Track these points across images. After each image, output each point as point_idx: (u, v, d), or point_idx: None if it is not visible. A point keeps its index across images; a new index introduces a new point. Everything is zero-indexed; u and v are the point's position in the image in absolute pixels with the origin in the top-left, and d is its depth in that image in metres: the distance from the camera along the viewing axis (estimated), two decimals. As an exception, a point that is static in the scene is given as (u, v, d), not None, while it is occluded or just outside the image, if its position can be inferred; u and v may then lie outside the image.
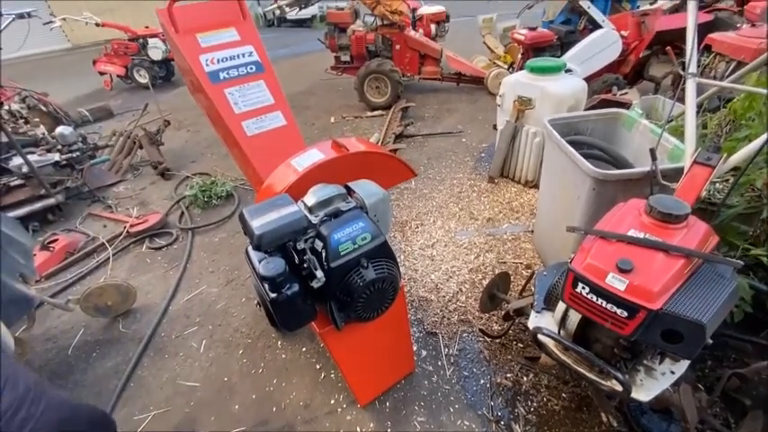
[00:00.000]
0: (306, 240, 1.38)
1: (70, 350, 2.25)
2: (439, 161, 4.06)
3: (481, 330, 2.14)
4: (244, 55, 2.01)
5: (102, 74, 7.23)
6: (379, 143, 4.30)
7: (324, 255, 1.34)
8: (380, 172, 1.71)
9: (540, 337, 1.38)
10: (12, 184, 3.26)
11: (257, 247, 1.33)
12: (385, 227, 1.56)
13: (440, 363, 2.03)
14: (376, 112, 5.36)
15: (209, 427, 1.84)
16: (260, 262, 1.29)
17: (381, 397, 1.88)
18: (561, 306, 1.36)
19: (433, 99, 5.83)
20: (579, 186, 1.87)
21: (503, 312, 2.00)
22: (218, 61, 1.95)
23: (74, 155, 3.62)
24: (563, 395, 1.83)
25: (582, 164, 1.79)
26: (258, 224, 1.31)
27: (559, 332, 1.39)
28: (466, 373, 1.97)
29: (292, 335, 2.19)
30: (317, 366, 2.05)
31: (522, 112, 3.21)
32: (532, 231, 2.86)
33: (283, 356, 2.12)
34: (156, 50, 6.96)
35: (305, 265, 1.35)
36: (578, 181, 1.87)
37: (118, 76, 7.18)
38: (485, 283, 2.43)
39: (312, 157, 1.62)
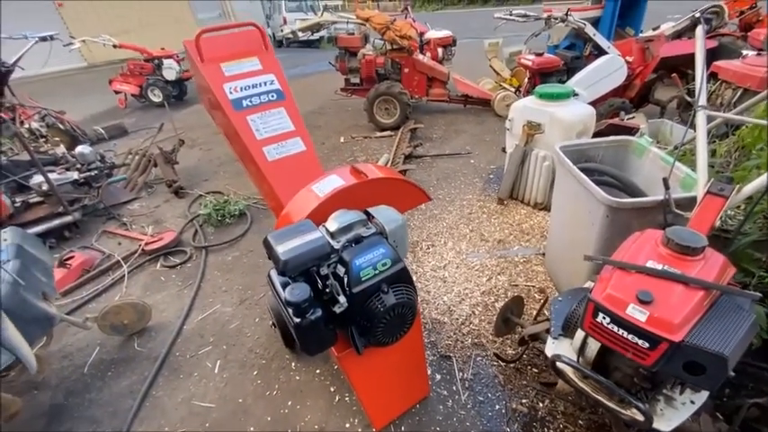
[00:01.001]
0: (328, 265, 1.41)
1: (86, 368, 2.26)
2: (448, 182, 4.11)
3: (496, 355, 2.14)
4: (265, 83, 2.09)
5: (117, 93, 7.46)
6: (389, 164, 4.37)
7: (346, 280, 1.37)
8: (397, 197, 1.76)
9: (559, 364, 1.39)
10: (31, 201, 3.35)
11: (282, 273, 1.35)
12: (403, 252, 1.60)
13: (454, 387, 2.03)
14: (385, 133, 5.47)
15: (223, 450, 1.84)
16: (284, 287, 1.32)
17: (397, 421, 1.87)
18: (580, 334, 1.37)
19: (441, 120, 5.94)
20: (592, 213, 1.90)
21: (518, 337, 2.00)
22: (242, 89, 2.03)
23: (92, 173, 3.71)
24: (580, 422, 1.81)
25: (595, 192, 1.82)
26: (283, 250, 1.34)
27: (578, 360, 1.40)
28: (481, 398, 1.97)
29: (308, 357, 2.20)
30: (332, 389, 2.05)
31: (532, 137, 3.28)
32: (543, 254, 2.88)
33: (297, 378, 2.13)
34: (170, 71, 7.19)
35: (327, 290, 1.37)
36: (591, 208, 1.91)
37: (132, 95, 7.41)
38: (497, 305, 2.45)
39: (332, 183, 1.67)
